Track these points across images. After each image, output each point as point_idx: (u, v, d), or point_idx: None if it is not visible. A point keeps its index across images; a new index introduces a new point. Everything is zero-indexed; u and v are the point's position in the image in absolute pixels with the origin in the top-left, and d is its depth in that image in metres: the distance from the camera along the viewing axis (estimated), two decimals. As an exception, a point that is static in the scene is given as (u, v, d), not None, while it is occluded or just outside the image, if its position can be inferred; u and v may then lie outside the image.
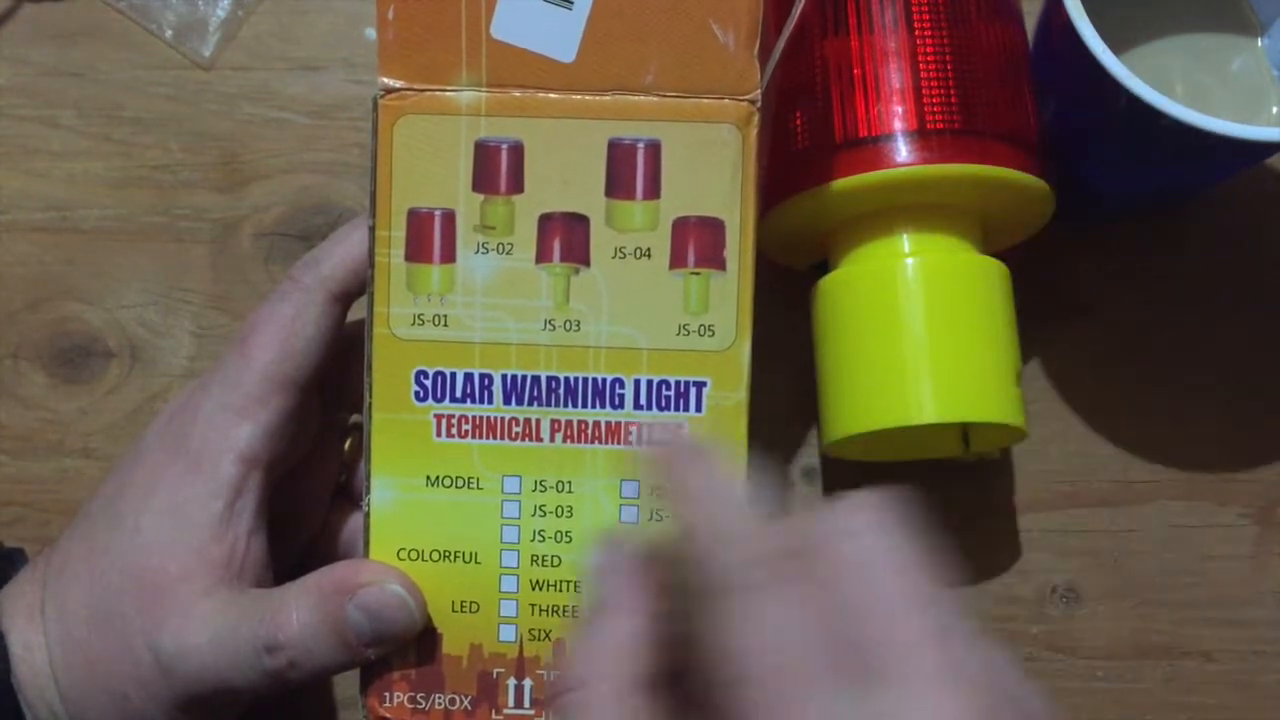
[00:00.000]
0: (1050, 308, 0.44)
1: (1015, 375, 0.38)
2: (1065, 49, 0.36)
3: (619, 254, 0.31)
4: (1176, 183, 0.42)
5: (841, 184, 0.37)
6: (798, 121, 0.38)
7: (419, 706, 0.31)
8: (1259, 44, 0.41)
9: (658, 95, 0.30)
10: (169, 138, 0.46)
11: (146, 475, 0.32)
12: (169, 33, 0.46)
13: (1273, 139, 0.34)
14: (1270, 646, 0.42)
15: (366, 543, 0.31)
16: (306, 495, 0.36)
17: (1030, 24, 0.40)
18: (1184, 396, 0.44)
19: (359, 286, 0.33)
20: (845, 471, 0.43)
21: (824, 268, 0.40)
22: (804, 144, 0.38)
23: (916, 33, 0.37)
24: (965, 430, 0.41)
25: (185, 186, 0.45)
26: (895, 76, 0.37)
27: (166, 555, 0.31)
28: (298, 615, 0.30)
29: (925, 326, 0.37)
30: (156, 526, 0.31)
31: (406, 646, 0.31)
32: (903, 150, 0.37)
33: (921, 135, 0.37)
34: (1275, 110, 0.40)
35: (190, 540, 0.31)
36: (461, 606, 0.31)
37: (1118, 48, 0.35)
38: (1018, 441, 0.42)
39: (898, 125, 0.37)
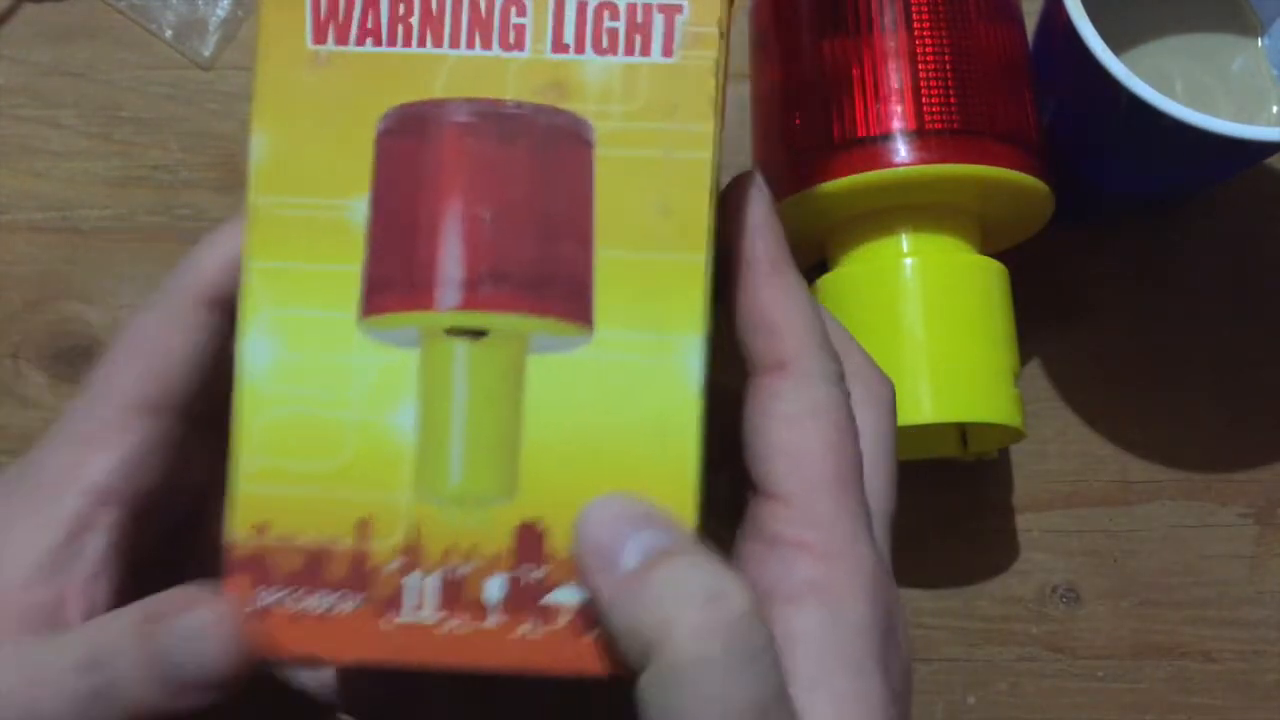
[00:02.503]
0: (1050, 308, 0.44)
1: (1013, 375, 0.38)
2: (1065, 49, 0.36)
3: None
4: (1176, 183, 0.42)
5: (840, 184, 0.37)
6: (797, 121, 0.38)
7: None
8: (1259, 44, 0.41)
9: None
10: (169, 138, 0.46)
11: None
12: (169, 33, 0.46)
13: (1273, 139, 0.34)
14: (1270, 646, 0.42)
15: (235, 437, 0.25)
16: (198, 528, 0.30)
17: (1030, 24, 0.40)
18: (1184, 396, 0.44)
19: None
20: (845, 471, 0.43)
21: (823, 267, 0.40)
22: (803, 144, 0.38)
23: (916, 33, 0.37)
24: (963, 430, 0.41)
25: (185, 186, 0.45)
26: (894, 76, 0.37)
27: None
28: (117, 635, 0.25)
29: (923, 326, 0.37)
30: None
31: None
32: (902, 150, 0.37)
33: (920, 135, 0.37)
34: (1275, 110, 0.40)
35: (9, 581, 0.26)
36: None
37: (1118, 48, 0.35)
38: (1016, 441, 0.42)
39: (897, 125, 0.37)
